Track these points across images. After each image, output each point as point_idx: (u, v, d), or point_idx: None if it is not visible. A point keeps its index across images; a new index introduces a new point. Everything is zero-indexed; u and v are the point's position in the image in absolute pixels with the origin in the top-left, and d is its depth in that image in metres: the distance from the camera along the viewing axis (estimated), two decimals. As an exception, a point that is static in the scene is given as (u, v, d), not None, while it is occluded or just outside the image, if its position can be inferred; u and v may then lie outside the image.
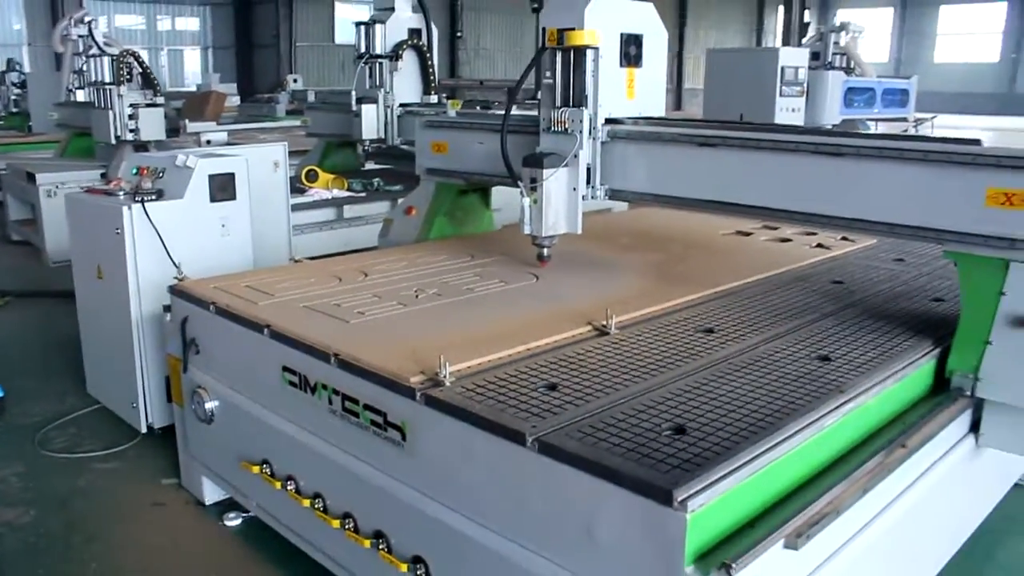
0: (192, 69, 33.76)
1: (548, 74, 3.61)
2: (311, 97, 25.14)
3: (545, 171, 3.47)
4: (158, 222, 4.23)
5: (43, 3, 27.96)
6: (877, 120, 11.97)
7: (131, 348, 4.32)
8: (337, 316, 3.09)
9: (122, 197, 4.36)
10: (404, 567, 2.52)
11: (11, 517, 3.70)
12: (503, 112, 3.92)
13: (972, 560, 3.34)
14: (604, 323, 2.99)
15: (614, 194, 3.66)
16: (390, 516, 2.60)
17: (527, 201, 3.54)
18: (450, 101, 5.07)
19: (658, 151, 3.48)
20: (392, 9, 7.21)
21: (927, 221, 2.84)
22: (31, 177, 8.60)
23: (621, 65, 3.55)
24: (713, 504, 1.90)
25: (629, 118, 3.59)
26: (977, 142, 2.80)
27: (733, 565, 1.80)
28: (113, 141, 8.43)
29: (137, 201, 4.21)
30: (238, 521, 3.63)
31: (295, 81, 25.58)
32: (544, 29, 3.49)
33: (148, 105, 8.52)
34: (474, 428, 2.26)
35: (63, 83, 12.70)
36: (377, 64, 7.12)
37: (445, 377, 2.43)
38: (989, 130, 21.33)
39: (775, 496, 2.12)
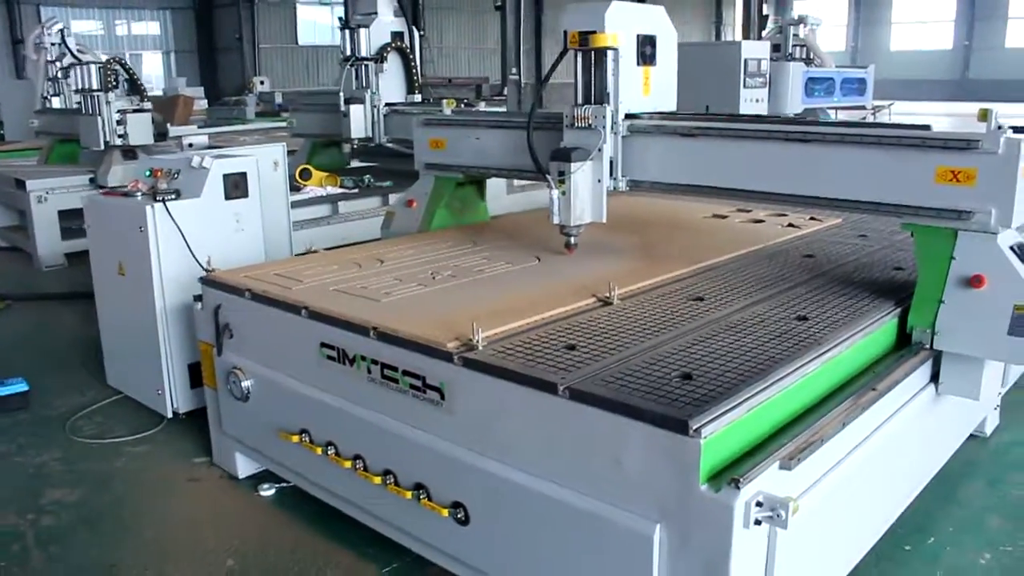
0: (155, 73, 33.61)
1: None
2: (279, 99, 25.23)
3: (573, 164, 3.74)
4: (178, 220, 4.52)
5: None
6: (837, 108, 12.47)
7: (156, 339, 4.61)
8: (367, 296, 3.43)
9: (140, 198, 4.65)
10: (445, 512, 2.87)
11: (59, 496, 3.98)
12: (486, 111, 4.19)
13: (937, 497, 3.76)
14: (607, 295, 3.36)
15: (634, 185, 3.92)
16: (429, 468, 2.94)
17: (556, 193, 3.80)
18: (445, 100, 5.36)
19: (674, 144, 3.76)
20: (375, 13, 7.52)
21: (885, 197, 3.20)
22: (20, 184, 8.78)
23: (638, 64, 3.81)
24: (720, 433, 2.28)
25: (646, 113, 3.87)
26: (927, 127, 3.15)
27: (740, 480, 2.17)
28: (102, 146, 8.64)
29: (159, 200, 4.50)
30: (272, 491, 3.95)
31: (262, 83, 25.64)
32: (565, 32, 3.75)
33: (136, 111, 8.75)
34: (509, 383, 2.61)
35: (38, 90, 12.79)
36: (363, 66, 7.41)
37: (478, 342, 2.77)
38: (944, 116, 22.08)
39: (770, 429, 2.50)
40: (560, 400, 2.49)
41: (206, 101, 24.12)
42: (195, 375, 4.70)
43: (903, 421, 3.10)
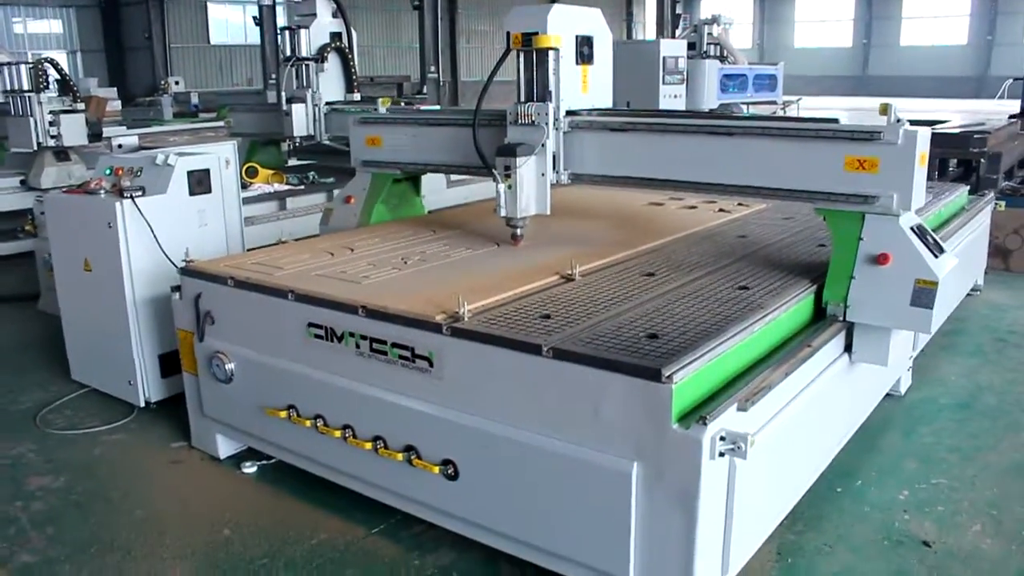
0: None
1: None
2: (194, 99, 24.79)
3: (518, 159, 3.95)
4: (146, 216, 4.68)
5: None
6: (750, 103, 13.15)
7: (127, 331, 4.76)
8: (348, 279, 3.70)
9: (103, 195, 4.79)
10: (436, 469, 3.17)
11: (45, 483, 4.12)
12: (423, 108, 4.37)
13: (861, 447, 4.23)
14: (570, 272, 3.70)
15: (575, 177, 4.16)
16: (419, 430, 3.23)
17: (502, 187, 4.00)
18: (380, 99, 5.57)
19: (612, 138, 4.01)
20: (314, 15, 7.71)
21: (800, 185, 3.51)
22: (-50, 188, 8.65)
23: (577, 63, 4.06)
24: (687, 380, 2.64)
25: (585, 109, 4.11)
26: (836, 120, 3.44)
27: (707, 417, 2.55)
28: (34, 148, 8.59)
29: (126, 197, 4.65)
30: (254, 468, 4.17)
31: (177, 83, 25.17)
32: (508, 33, 3.95)
33: (68, 111, 8.71)
34: (496, 348, 2.93)
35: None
36: (304, 66, 7.59)
37: (464, 314, 3.08)
38: (848, 110, 23.28)
39: (726, 378, 2.90)
40: (544, 360, 2.82)
41: (119, 102, 23.59)
42: (166, 365, 4.88)
43: (831, 378, 3.53)
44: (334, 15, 7.93)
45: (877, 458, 4.24)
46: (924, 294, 3.28)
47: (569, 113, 4.07)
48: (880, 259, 3.36)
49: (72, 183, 8.51)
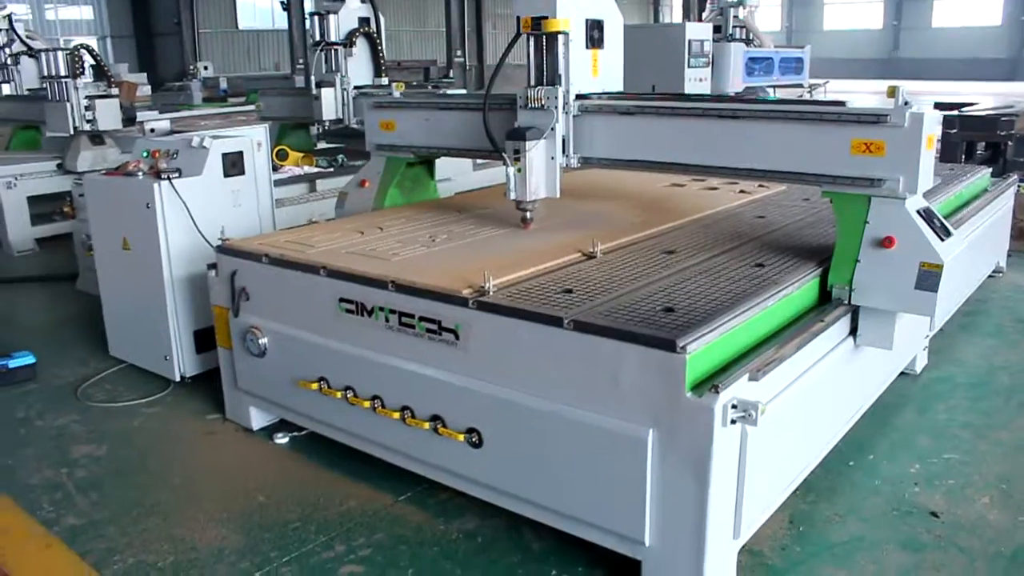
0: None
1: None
2: (223, 84, 25.06)
3: (528, 143, 3.99)
4: (183, 196, 4.85)
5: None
6: (776, 87, 13.14)
7: (164, 308, 4.95)
8: (378, 256, 3.85)
9: (141, 177, 4.98)
10: (461, 436, 3.32)
11: (89, 451, 4.32)
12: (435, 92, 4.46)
13: (874, 424, 4.33)
14: (591, 250, 3.82)
15: (585, 161, 4.17)
16: (444, 400, 3.38)
17: (512, 170, 4.04)
18: (394, 84, 5.66)
19: (621, 122, 4.03)
20: (343, 0, 7.85)
21: (806, 168, 3.51)
22: (-12, 171, 8.90)
23: (587, 47, 4.08)
24: (701, 351, 2.77)
25: (594, 93, 4.14)
26: (842, 103, 3.43)
27: (720, 386, 2.67)
28: (71, 132, 8.82)
29: (164, 178, 4.83)
30: (286, 439, 4.35)
31: (206, 68, 25.47)
32: (519, 18, 4.04)
33: (103, 96, 8.93)
34: (520, 320, 3.07)
35: (-11, 78, 12.73)
36: (332, 51, 7.74)
37: (489, 288, 3.22)
38: (875, 93, 23.04)
39: (739, 350, 3.01)
40: (565, 331, 2.95)
41: (149, 87, 23.92)
42: (200, 341, 5.07)
43: (842, 353, 3.63)
44: (362, 0, 8.06)
45: (891, 434, 4.33)
46: (929, 277, 3.29)
47: (579, 97, 4.09)
48: (885, 242, 3.38)
49: (107, 166, 8.77)
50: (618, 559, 3.13)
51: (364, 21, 8.00)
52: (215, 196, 5.06)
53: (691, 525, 2.83)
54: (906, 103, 3.24)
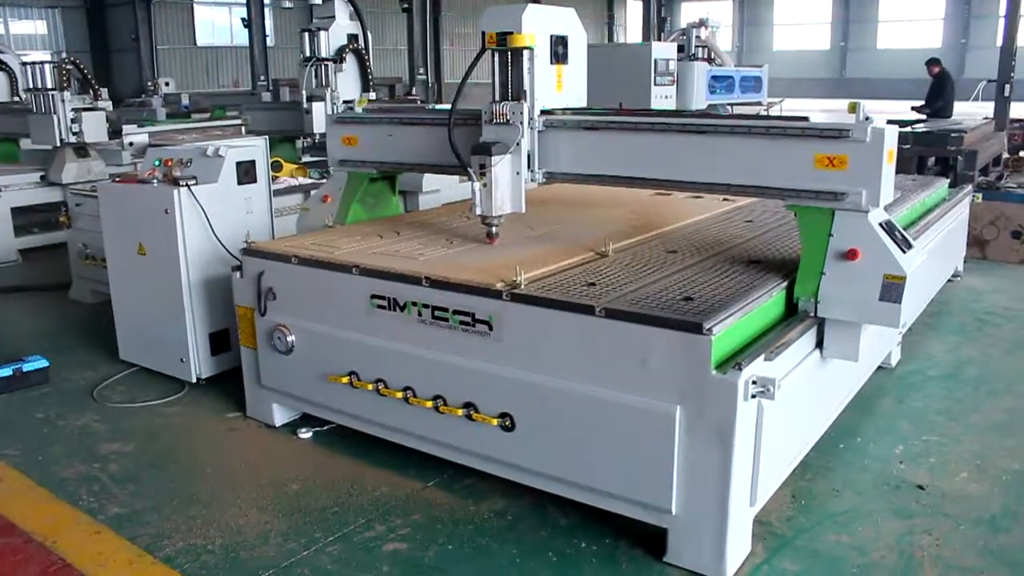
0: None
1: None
2: (185, 100, 24.97)
3: (493, 158, 3.97)
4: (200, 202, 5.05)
5: None
6: (736, 104, 13.65)
7: (181, 311, 5.13)
8: (404, 256, 4.11)
9: (156, 184, 5.17)
10: (494, 421, 3.58)
11: (116, 447, 4.48)
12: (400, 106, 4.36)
13: (858, 412, 4.69)
14: (603, 249, 4.12)
15: (549, 176, 4.17)
16: (478, 388, 3.64)
17: (477, 185, 4.03)
18: (356, 99, 5.70)
19: (586, 137, 4.04)
20: (333, 17, 8.10)
21: (771, 182, 3.55)
22: (-28, 183, 8.93)
23: (551, 63, 4.10)
24: (723, 333, 3.08)
25: (559, 109, 4.14)
26: (806, 119, 3.46)
27: (742, 363, 2.98)
28: (56, 144, 8.90)
29: (182, 185, 5.03)
30: (310, 434, 4.56)
31: (167, 85, 25.35)
32: (483, 33, 3.99)
33: (88, 109, 9.04)
34: (552, 310, 3.35)
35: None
36: (322, 66, 7.97)
37: (521, 282, 3.50)
38: (827, 111, 23.89)
39: (751, 335, 3.34)
40: (597, 319, 3.24)
41: (110, 103, 23.76)
42: (215, 343, 5.25)
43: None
44: (351, 18, 8.31)
45: (874, 420, 4.70)
46: (893, 289, 3.32)
47: (544, 112, 4.09)
48: (849, 255, 3.40)
49: (92, 178, 8.86)
50: (640, 530, 3.43)
51: (353, 38, 8.24)
52: (230, 203, 5.26)
53: (715, 493, 3.13)
54: (867, 118, 3.29)
